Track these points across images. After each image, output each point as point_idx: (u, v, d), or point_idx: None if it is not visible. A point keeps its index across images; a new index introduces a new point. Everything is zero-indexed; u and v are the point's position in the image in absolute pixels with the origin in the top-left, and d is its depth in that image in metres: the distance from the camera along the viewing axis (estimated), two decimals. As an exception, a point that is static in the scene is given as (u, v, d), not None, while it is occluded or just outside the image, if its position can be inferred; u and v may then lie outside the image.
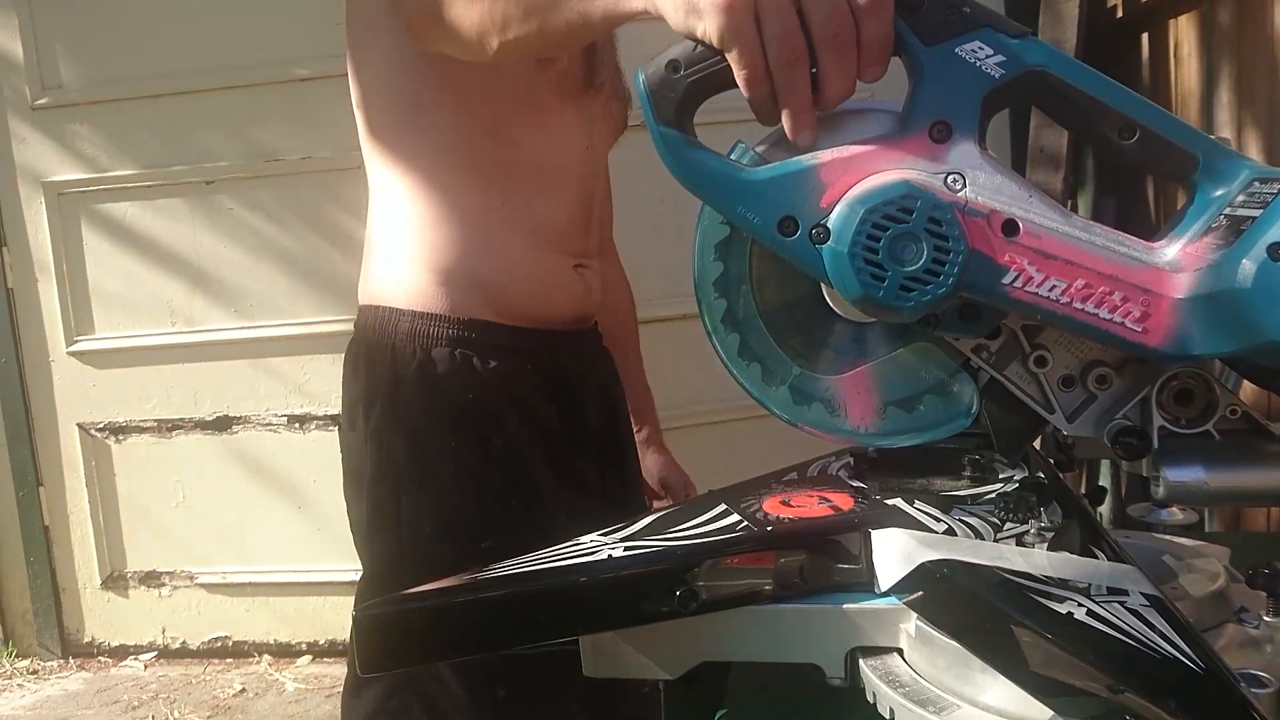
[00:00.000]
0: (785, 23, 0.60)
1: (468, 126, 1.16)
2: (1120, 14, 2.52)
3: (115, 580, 3.09)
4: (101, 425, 3.02)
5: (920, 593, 0.59)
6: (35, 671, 3.06)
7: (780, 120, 0.63)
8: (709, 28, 0.61)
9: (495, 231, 1.17)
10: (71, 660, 3.11)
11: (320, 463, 2.74)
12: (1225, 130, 1.99)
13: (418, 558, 1.11)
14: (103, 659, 3.11)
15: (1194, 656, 0.51)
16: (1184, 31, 2.19)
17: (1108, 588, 0.56)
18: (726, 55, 0.61)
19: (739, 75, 0.61)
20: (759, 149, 0.65)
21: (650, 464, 1.49)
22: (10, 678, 3.02)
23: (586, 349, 1.30)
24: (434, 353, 1.14)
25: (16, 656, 3.13)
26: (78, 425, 3.03)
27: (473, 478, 1.13)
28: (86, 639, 3.14)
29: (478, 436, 1.14)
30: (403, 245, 1.18)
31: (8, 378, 3.01)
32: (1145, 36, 2.41)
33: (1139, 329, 0.59)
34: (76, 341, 2.98)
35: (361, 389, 1.17)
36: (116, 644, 3.13)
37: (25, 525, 3.08)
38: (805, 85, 0.61)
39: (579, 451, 1.22)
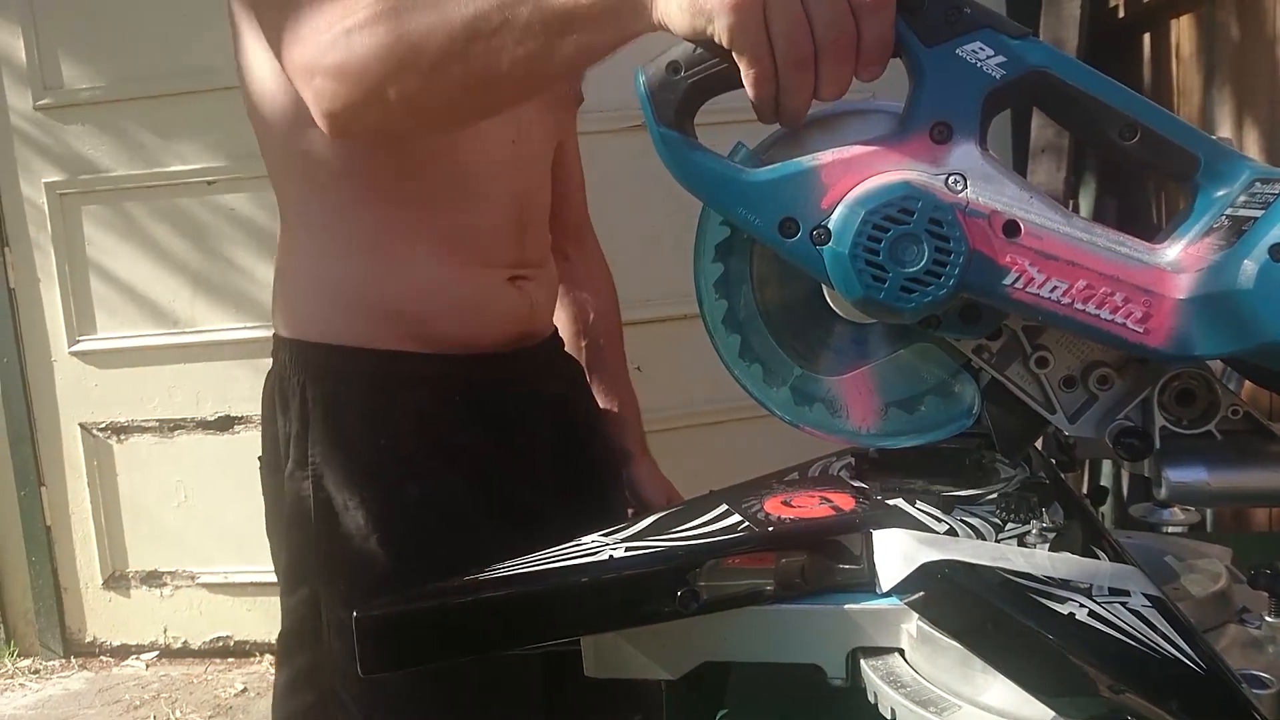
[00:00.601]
0: (794, 23, 0.59)
1: (372, 138, 0.98)
2: (1121, 14, 2.52)
3: (117, 580, 3.09)
4: (103, 425, 3.03)
5: (921, 593, 0.59)
6: (37, 671, 3.06)
7: (778, 121, 0.63)
8: (718, 28, 0.60)
9: (402, 250, 1.03)
10: (73, 660, 3.11)
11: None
12: (1226, 130, 1.99)
13: (333, 621, 1.01)
14: (104, 658, 3.11)
15: (1195, 657, 0.51)
16: (1185, 32, 2.19)
17: (1109, 588, 0.56)
18: (735, 56, 0.61)
19: (747, 76, 0.61)
20: (759, 150, 0.65)
21: (629, 479, 1.30)
22: (12, 677, 3.03)
23: (534, 368, 1.13)
24: (342, 393, 1.03)
25: (18, 656, 3.13)
26: (79, 425, 3.03)
27: (385, 532, 1.00)
28: (88, 639, 3.14)
29: (389, 486, 1.01)
30: (308, 271, 1.06)
31: (10, 378, 3.02)
32: (1147, 37, 2.41)
33: (1140, 330, 0.59)
34: (78, 341, 2.99)
35: (278, 430, 1.06)
36: (118, 643, 3.13)
37: (27, 525, 3.08)
38: (809, 88, 0.61)
39: (526, 483, 1.08)
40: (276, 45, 0.88)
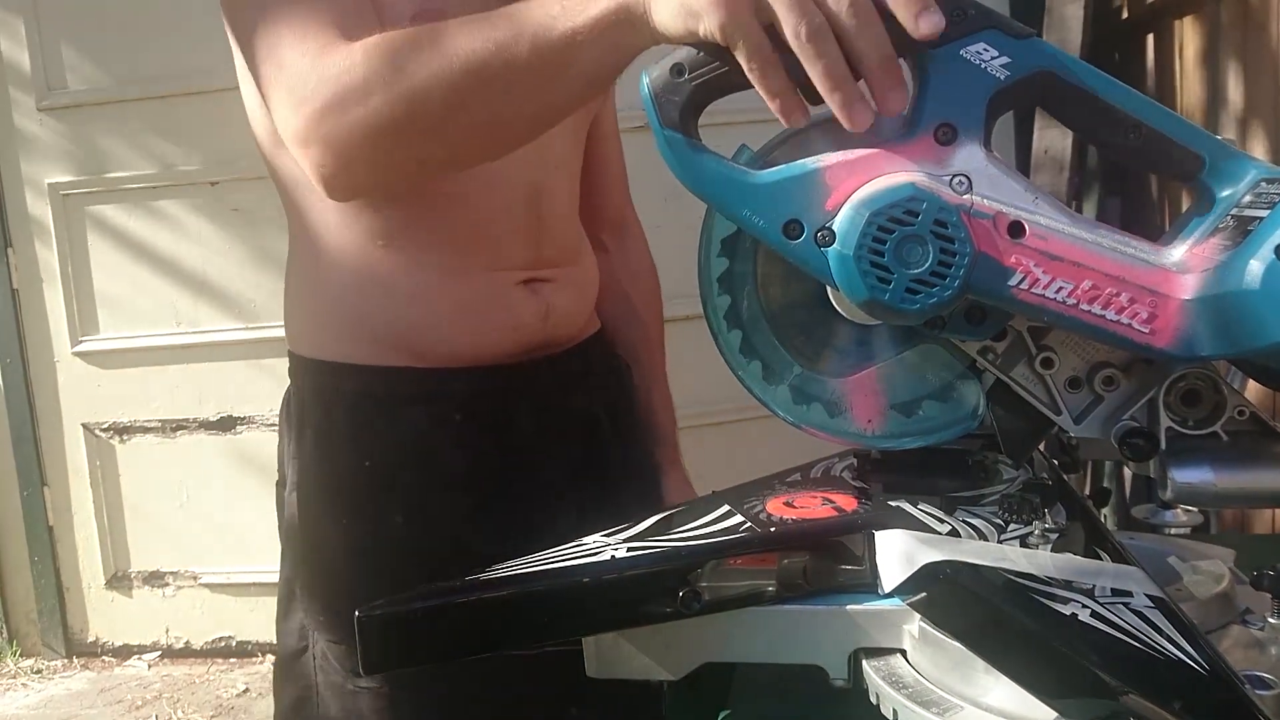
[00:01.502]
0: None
1: None
2: (1125, 15, 2.52)
3: (119, 580, 3.09)
4: (106, 425, 3.03)
5: (924, 594, 0.59)
6: (40, 671, 3.06)
7: (820, 103, 0.60)
8: (709, 25, 0.59)
9: (395, 254, 0.94)
10: (75, 660, 3.11)
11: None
12: (1230, 131, 1.99)
13: (317, 652, 0.97)
14: (106, 659, 3.12)
15: (1198, 658, 0.50)
16: (1189, 33, 2.18)
17: (1112, 589, 0.56)
18: (733, 51, 0.59)
19: (750, 70, 0.59)
20: (763, 152, 0.65)
21: (656, 493, 1.20)
22: (15, 677, 3.03)
23: (554, 380, 1.03)
24: (331, 412, 0.97)
25: (21, 656, 3.13)
26: (82, 425, 3.03)
27: (366, 565, 0.95)
28: (90, 639, 3.15)
29: (374, 515, 0.96)
30: (306, 281, 1.00)
31: (13, 378, 3.02)
32: (1150, 38, 2.41)
33: (1146, 330, 0.59)
34: (81, 342, 2.99)
35: (282, 445, 1.02)
36: (120, 644, 3.13)
37: (30, 525, 3.08)
38: (837, 52, 0.57)
39: (539, 506, 0.99)
40: (266, 98, 0.82)
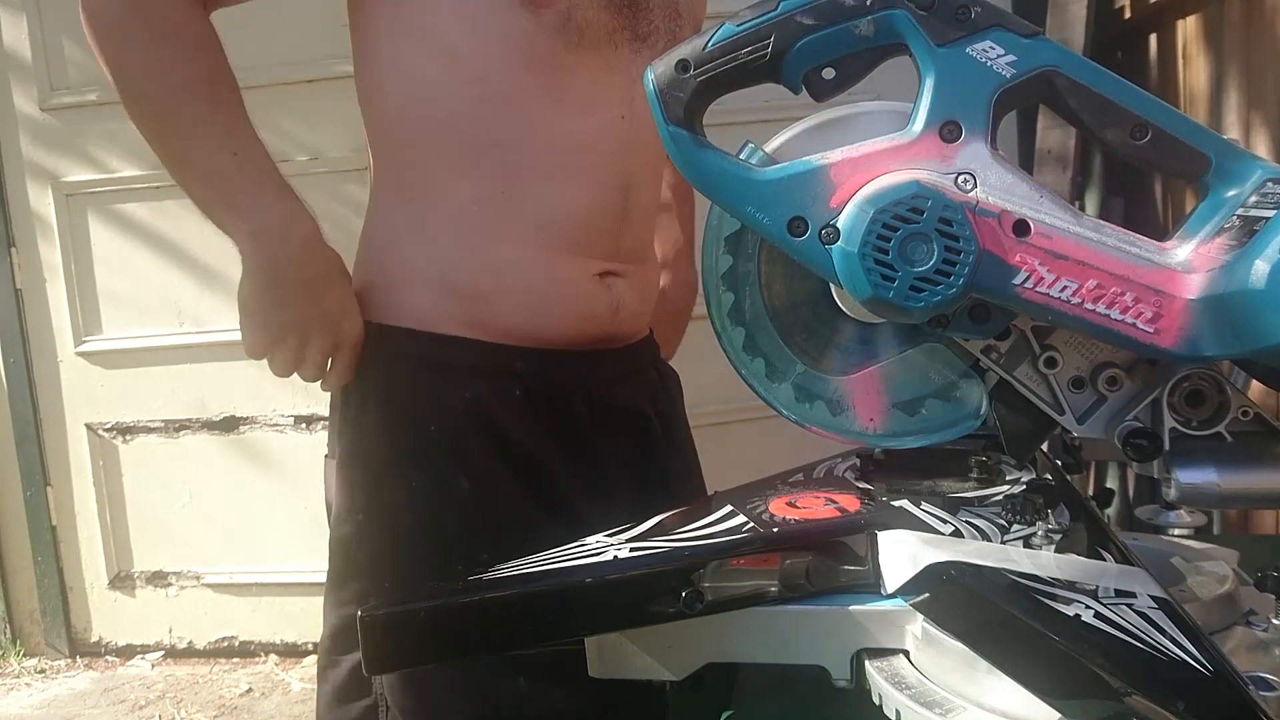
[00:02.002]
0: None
1: (456, 94, 0.96)
2: (1128, 15, 2.51)
3: (122, 580, 3.10)
4: (109, 425, 3.03)
5: (926, 594, 0.59)
6: (43, 671, 3.07)
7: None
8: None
9: (479, 226, 0.97)
10: (79, 660, 3.11)
11: (327, 463, 2.74)
12: (1234, 131, 1.99)
13: None
14: (110, 658, 3.12)
15: (1202, 659, 0.50)
16: (1192, 32, 2.18)
17: (1115, 590, 0.56)
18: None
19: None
20: (769, 149, 0.64)
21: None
22: (18, 677, 3.03)
23: (613, 374, 1.05)
24: (398, 374, 0.99)
25: (24, 656, 3.14)
26: (85, 425, 3.04)
27: (433, 525, 0.96)
28: (94, 638, 3.15)
29: (438, 476, 0.96)
30: (389, 240, 1.03)
31: (16, 378, 3.02)
32: (1153, 37, 2.40)
33: (1150, 330, 0.59)
34: (85, 342, 2.99)
35: (337, 412, 1.04)
36: (123, 643, 3.14)
37: (33, 525, 3.09)
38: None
39: (590, 495, 1.00)
40: None
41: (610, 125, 0.99)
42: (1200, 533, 0.83)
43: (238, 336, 1.00)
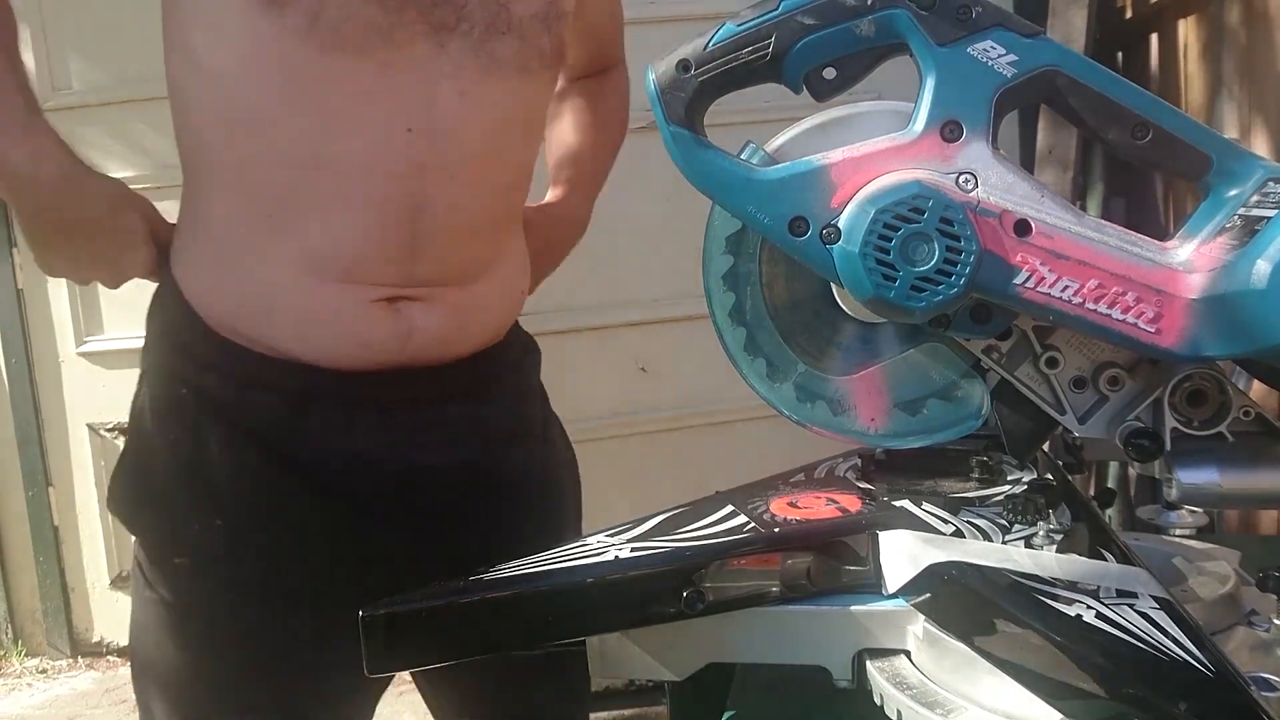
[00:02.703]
0: None
1: (212, 112, 0.89)
2: (1129, 14, 2.51)
3: (124, 580, 3.09)
4: (111, 425, 3.03)
5: (928, 594, 0.59)
6: (45, 671, 3.07)
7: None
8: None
9: (251, 250, 0.89)
10: (80, 660, 3.11)
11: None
12: (1233, 131, 1.99)
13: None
14: (112, 658, 3.12)
15: (1204, 660, 0.50)
16: (1192, 32, 2.18)
17: (1117, 590, 0.56)
18: None
19: None
20: (769, 149, 0.64)
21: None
22: (20, 677, 3.03)
23: (421, 388, 0.94)
24: (174, 365, 0.94)
25: (26, 656, 3.14)
26: (87, 425, 3.03)
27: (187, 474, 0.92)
28: (95, 638, 3.15)
29: (201, 438, 0.91)
30: (190, 229, 1.00)
31: (18, 378, 3.02)
32: (1154, 37, 2.40)
33: (1152, 330, 0.59)
34: (86, 342, 2.99)
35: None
36: (125, 644, 3.12)
37: (35, 525, 3.09)
38: None
39: (386, 526, 0.92)
40: None
41: (391, 142, 0.86)
42: (1202, 533, 0.83)
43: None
